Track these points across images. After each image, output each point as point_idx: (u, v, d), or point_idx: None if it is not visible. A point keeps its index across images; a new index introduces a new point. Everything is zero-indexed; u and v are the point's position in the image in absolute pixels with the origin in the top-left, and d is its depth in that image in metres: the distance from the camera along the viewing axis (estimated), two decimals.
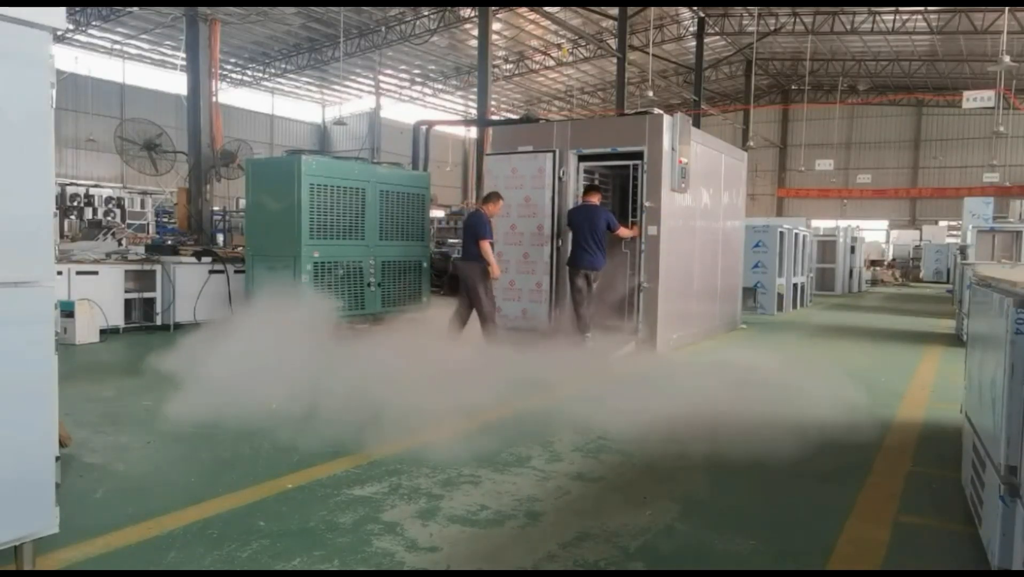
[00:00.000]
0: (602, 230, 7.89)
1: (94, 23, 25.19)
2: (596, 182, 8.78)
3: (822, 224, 29.13)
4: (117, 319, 8.84)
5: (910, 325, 12.26)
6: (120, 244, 11.66)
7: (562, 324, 8.17)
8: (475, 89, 20.30)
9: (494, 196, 8.18)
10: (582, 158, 8.46)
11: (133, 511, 3.28)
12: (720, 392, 6.13)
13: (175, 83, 24.62)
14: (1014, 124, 30.73)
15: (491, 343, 7.69)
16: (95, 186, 21.44)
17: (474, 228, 7.89)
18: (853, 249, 19.75)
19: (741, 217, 11.06)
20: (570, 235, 8.24)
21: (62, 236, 14.97)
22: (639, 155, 8.12)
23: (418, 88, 36.63)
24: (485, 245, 7.78)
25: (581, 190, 8.43)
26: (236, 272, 9.61)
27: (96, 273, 8.74)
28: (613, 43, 24.41)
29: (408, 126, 15.81)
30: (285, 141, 35.06)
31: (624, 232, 8.11)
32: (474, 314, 7.85)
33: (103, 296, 8.61)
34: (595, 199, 8.10)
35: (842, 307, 15.49)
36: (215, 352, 5.85)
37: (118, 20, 25.14)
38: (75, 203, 18.40)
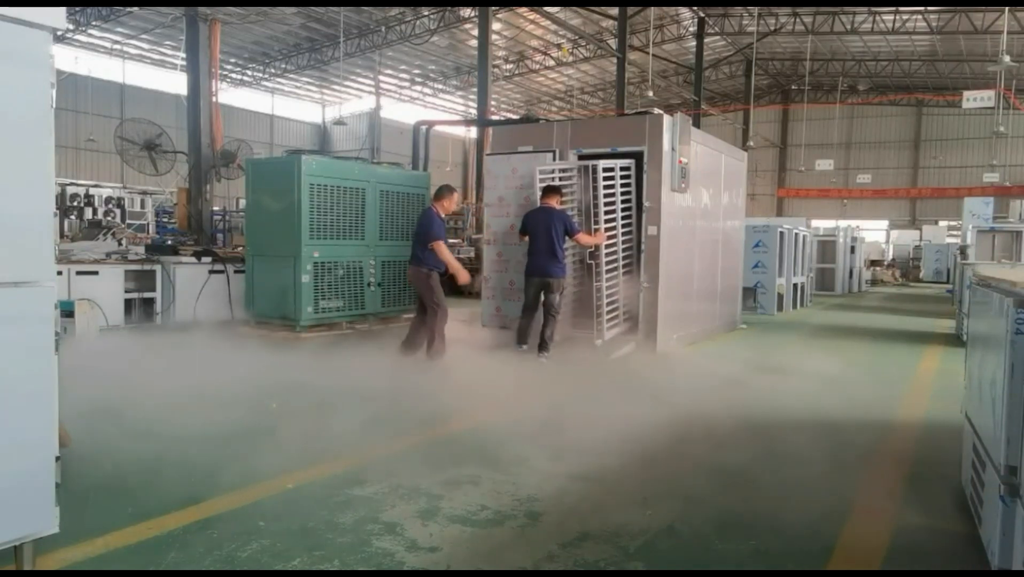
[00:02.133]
0: (560, 235, 7.20)
1: (94, 23, 25.19)
2: (558, 181, 7.93)
3: (822, 224, 29.13)
4: (117, 319, 8.84)
5: (910, 325, 12.25)
6: (120, 244, 11.65)
7: (564, 324, 8.14)
8: (475, 89, 20.32)
9: (446, 190, 7.26)
10: (582, 157, 8.45)
11: (133, 511, 3.28)
12: (719, 393, 6.15)
13: (175, 83, 24.61)
14: (1014, 124, 30.75)
15: (435, 360, 6.83)
16: (95, 186, 21.44)
17: (422, 230, 7.01)
18: (853, 249, 19.74)
19: (741, 217, 11.05)
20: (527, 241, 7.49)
21: (62, 236, 14.96)
22: (630, 155, 8.03)
23: (418, 88, 36.64)
24: (440, 247, 6.91)
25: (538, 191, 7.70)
26: (236, 272, 9.61)
27: (96, 273, 8.74)
28: (613, 43, 24.42)
29: (408, 126, 15.81)
30: (285, 141, 35.07)
31: (585, 239, 7.44)
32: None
33: (103, 296, 8.61)
34: (554, 201, 7.37)
35: (842, 307, 15.48)
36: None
37: (118, 20, 25.15)
38: (75, 203, 18.41)
